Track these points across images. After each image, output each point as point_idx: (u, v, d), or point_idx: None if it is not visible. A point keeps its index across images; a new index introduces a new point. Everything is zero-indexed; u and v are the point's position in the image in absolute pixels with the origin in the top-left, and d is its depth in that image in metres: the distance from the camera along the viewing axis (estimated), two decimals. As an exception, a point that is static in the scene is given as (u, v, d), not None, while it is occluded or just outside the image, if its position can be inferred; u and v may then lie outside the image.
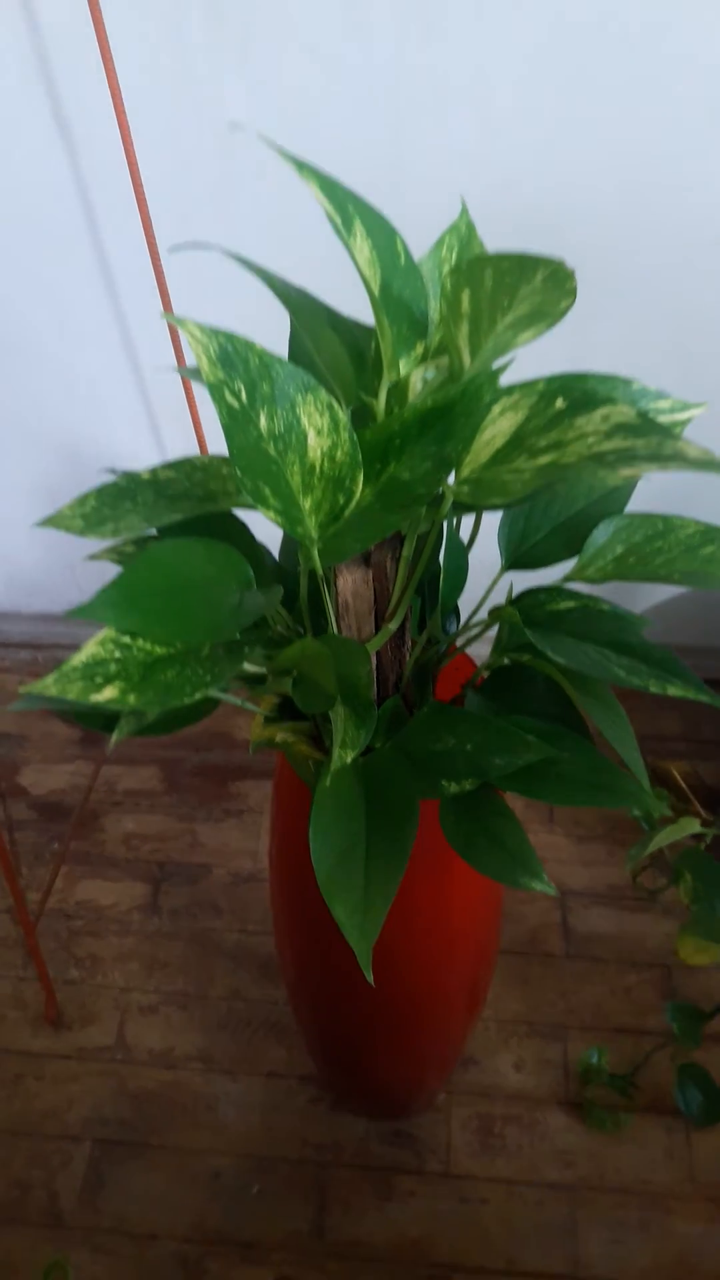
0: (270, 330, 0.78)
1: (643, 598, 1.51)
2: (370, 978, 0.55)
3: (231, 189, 1.10)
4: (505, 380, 0.56)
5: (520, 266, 0.48)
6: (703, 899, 1.08)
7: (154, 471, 0.64)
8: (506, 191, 1.07)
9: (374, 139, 1.04)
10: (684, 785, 1.34)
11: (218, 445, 1.28)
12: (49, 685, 0.51)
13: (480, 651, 1.46)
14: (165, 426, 1.35)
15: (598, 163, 1.05)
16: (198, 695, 0.53)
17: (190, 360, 1.18)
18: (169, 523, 0.61)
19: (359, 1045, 1.01)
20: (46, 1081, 1.21)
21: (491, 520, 0.70)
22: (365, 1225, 1.10)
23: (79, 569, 1.57)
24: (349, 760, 0.56)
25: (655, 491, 1.30)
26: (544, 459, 0.52)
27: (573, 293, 0.50)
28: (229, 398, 0.50)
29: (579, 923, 1.33)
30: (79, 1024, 1.26)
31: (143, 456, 1.40)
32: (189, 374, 0.71)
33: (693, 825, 1.03)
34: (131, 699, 0.52)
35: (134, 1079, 1.21)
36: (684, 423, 0.61)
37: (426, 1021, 0.96)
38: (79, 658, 0.52)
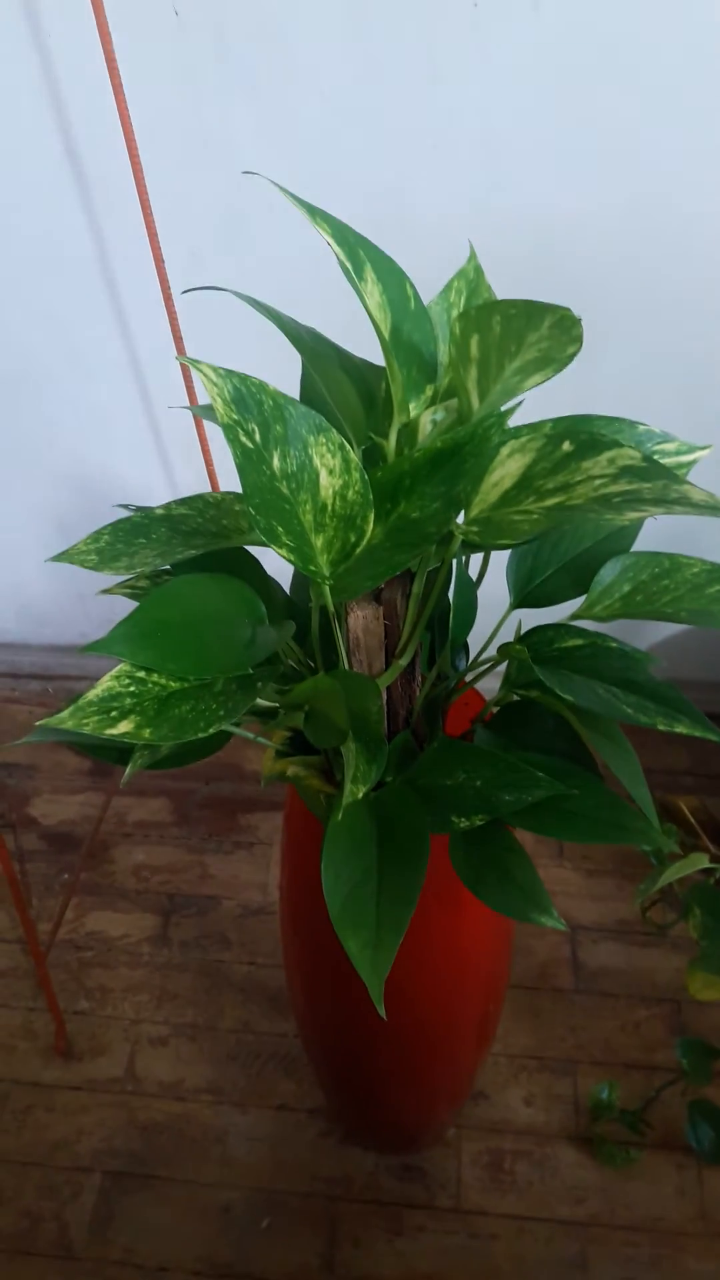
0: (281, 364, 0.80)
1: (649, 633, 1.52)
2: (382, 1012, 0.56)
3: (241, 224, 1.12)
4: (512, 423, 0.58)
5: (528, 313, 0.50)
6: (712, 934, 1.07)
7: (168, 507, 0.65)
8: (514, 230, 1.09)
9: (381, 178, 1.06)
10: (693, 820, 1.34)
11: (228, 478, 1.30)
12: (65, 719, 0.52)
13: (489, 687, 1.46)
14: (175, 459, 1.37)
15: (605, 202, 1.07)
16: (212, 729, 0.54)
17: (200, 394, 1.20)
18: (182, 559, 0.62)
19: (369, 1079, 1.01)
20: (57, 1113, 1.21)
21: (500, 557, 0.71)
22: (375, 1260, 1.09)
23: (89, 600, 1.59)
24: (360, 795, 0.56)
25: (662, 529, 1.31)
26: (551, 501, 0.53)
27: (579, 339, 0.51)
28: (243, 438, 0.51)
29: (589, 957, 1.33)
30: (89, 1055, 1.26)
31: (153, 489, 1.42)
32: (201, 412, 0.73)
33: (701, 860, 1.03)
34: (147, 733, 0.53)
35: (144, 1111, 1.21)
36: (689, 465, 0.62)
37: (437, 1055, 0.96)
38: (95, 692, 0.53)
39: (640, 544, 0.71)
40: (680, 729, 0.59)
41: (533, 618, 0.72)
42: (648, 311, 1.15)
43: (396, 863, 0.59)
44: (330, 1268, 1.09)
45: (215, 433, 1.25)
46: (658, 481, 0.50)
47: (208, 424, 1.23)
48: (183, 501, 0.67)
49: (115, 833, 1.49)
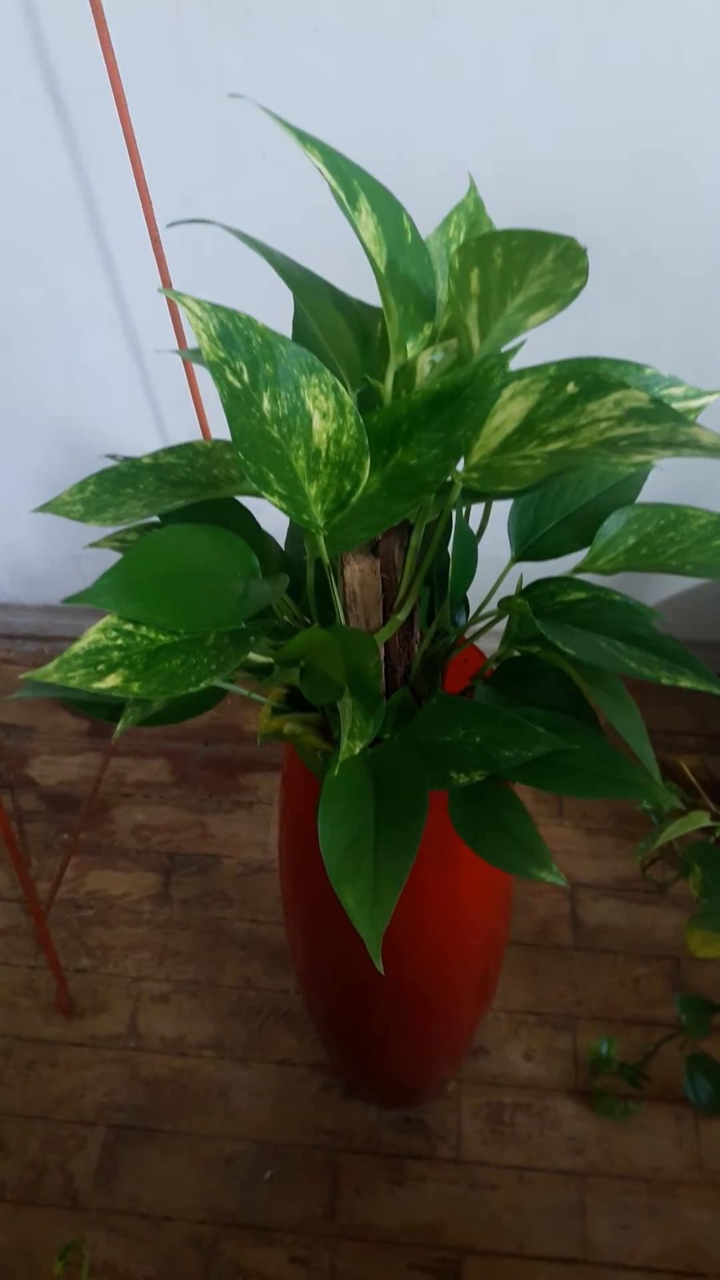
0: (275, 317, 0.77)
1: (653, 591, 1.50)
2: (380, 967, 0.55)
3: (233, 170, 1.08)
4: (513, 367, 0.55)
5: (531, 244, 0.47)
6: (712, 892, 1.06)
7: (155, 456, 0.63)
8: (515, 175, 1.05)
9: (379, 119, 1.03)
10: (693, 779, 1.33)
11: (221, 433, 1.27)
12: (50, 672, 0.50)
13: (489, 644, 1.45)
14: (168, 414, 1.34)
15: (608, 145, 1.03)
16: (203, 684, 0.52)
17: (192, 343, 1.17)
18: (171, 509, 0.60)
19: (369, 1034, 1.01)
20: (60, 1068, 1.22)
21: (501, 510, 0.69)
22: (377, 1209, 1.10)
23: (84, 560, 1.57)
24: (357, 751, 0.55)
25: (667, 483, 1.29)
26: (555, 445, 0.51)
27: (584, 273, 0.48)
28: (230, 378, 0.49)
29: (588, 915, 1.32)
30: (91, 1012, 1.26)
31: (145, 444, 1.39)
32: (190, 356, 0.70)
33: (702, 819, 1.02)
34: (135, 688, 0.51)
35: (146, 1066, 1.21)
36: (697, 410, 0.60)
37: (437, 1011, 0.96)
38: (80, 645, 0.51)
39: (645, 497, 0.69)
40: (684, 683, 0.57)
41: (534, 572, 0.71)
42: (652, 262, 1.11)
43: (394, 818, 0.58)
44: (333, 1216, 1.10)
45: (207, 384, 1.22)
46: (665, 424, 0.48)
47: (199, 375, 1.20)
48: (171, 450, 0.64)
49: (115, 793, 1.49)
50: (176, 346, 1.19)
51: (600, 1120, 1.15)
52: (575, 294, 0.51)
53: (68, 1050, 1.23)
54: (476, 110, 1.01)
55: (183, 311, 0.49)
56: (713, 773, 1.42)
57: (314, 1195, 1.11)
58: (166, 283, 1.06)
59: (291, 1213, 1.10)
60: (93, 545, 0.68)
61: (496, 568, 0.72)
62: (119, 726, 0.58)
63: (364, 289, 0.62)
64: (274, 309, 0.73)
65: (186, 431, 1.35)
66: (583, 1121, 1.15)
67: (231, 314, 0.50)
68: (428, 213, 0.74)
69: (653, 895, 1.33)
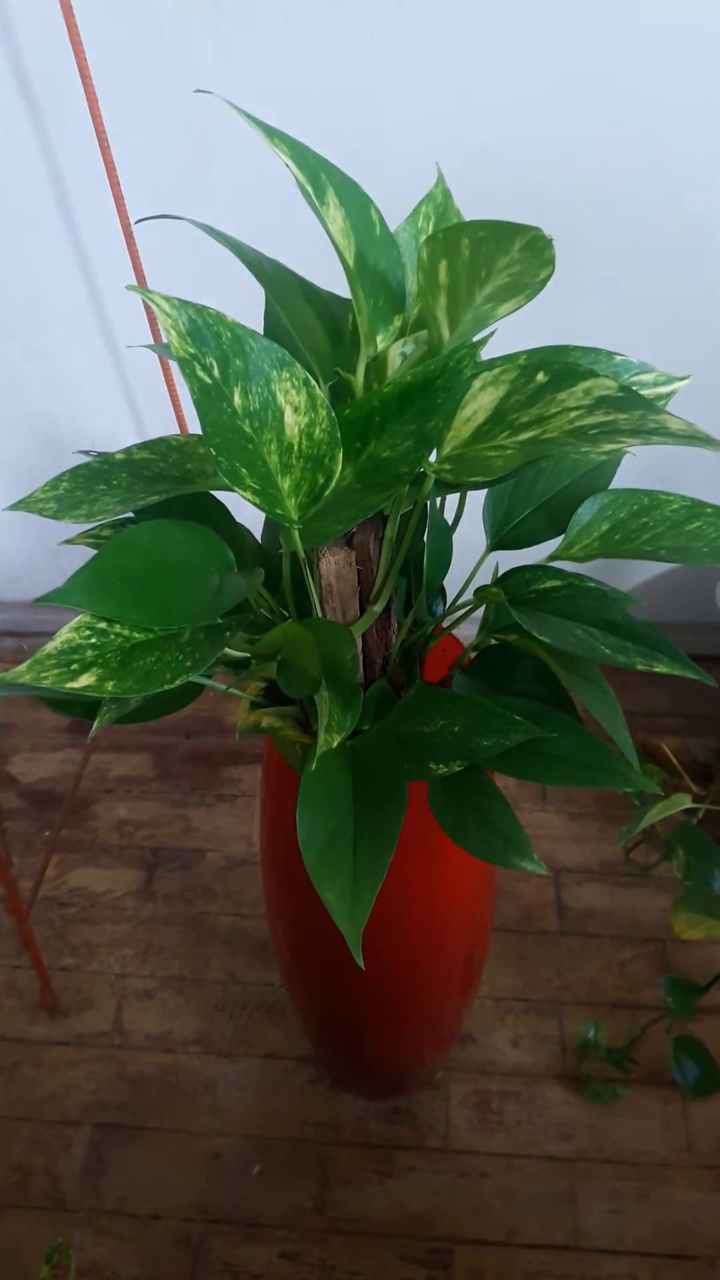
0: (251, 305, 0.77)
1: (631, 574, 1.50)
2: (360, 961, 0.55)
3: (203, 165, 1.08)
4: (483, 356, 0.55)
5: (498, 235, 0.47)
6: (695, 874, 1.07)
7: (129, 452, 0.63)
8: (483, 164, 1.05)
9: (348, 109, 1.02)
10: (675, 761, 1.33)
11: (197, 427, 1.26)
12: (22, 673, 0.50)
13: (468, 632, 1.45)
14: (144, 407, 1.34)
15: (575, 133, 1.03)
16: (178, 681, 0.52)
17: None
18: (145, 505, 0.60)
19: (355, 1025, 1.01)
20: (45, 1068, 1.21)
21: (476, 500, 0.69)
22: (366, 1201, 1.10)
23: (62, 556, 1.56)
24: (335, 744, 0.55)
25: (640, 468, 1.29)
26: (526, 435, 0.51)
27: (551, 262, 0.48)
28: (200, 373, 0.49)
29: (573, 899, 1.33)
30: (75, 1010, 1.26)
31: (122, 438, 1.38)
32: (163, 351, 0.70)
33: (684, 801, 1.03)
34: (110, 686, 0.51)
35: (132, 1063, 1.21)
36: (668, 396, 0.60)
37: (422, 1000, 0.96)
38: (53, 644, 0.51)
39: (619, 483, 0.69)
40: (660, 668, 0.57)
41: (510, 560, 0.71)
42: (622, 247, 1.11)
43: (373, 811, 0.57)
44: (322, 1210, 1.10)
45: (182, 378, 1.21)
46: (634, 412, 0.48)
47: (175, 368, 1.20)
48: (144, 445, 0.64)
49: (96, 789, 1.48)
50: (151, 340, 1.18)
51: (588, 1105, 1.16)
52: (543, 284, 0.51)
53: (52, 1050, 1.23)
54: (444, 97, 1.01)
55: (152, 307, 0.49)
56: (694, 753, 1.43)
57: (302, 1189, 1.11)
58: (139, 274, 1.05)
59: (280, 1207, 1.10)
60: (68, 542, 0.68)
61: (472, 557, 0.72)
62: (95, 725, 0.58)
63: (337, 279, 0.62)
64: (251, 297, 0.72)
65: (163, 424, 1.35)
66: (571, 1107, 1.16)
67: (201, 310, 0.50)
68: (398, 203, 0.73)
69: (637, 878, 1.34)
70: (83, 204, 1.13)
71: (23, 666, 0.50)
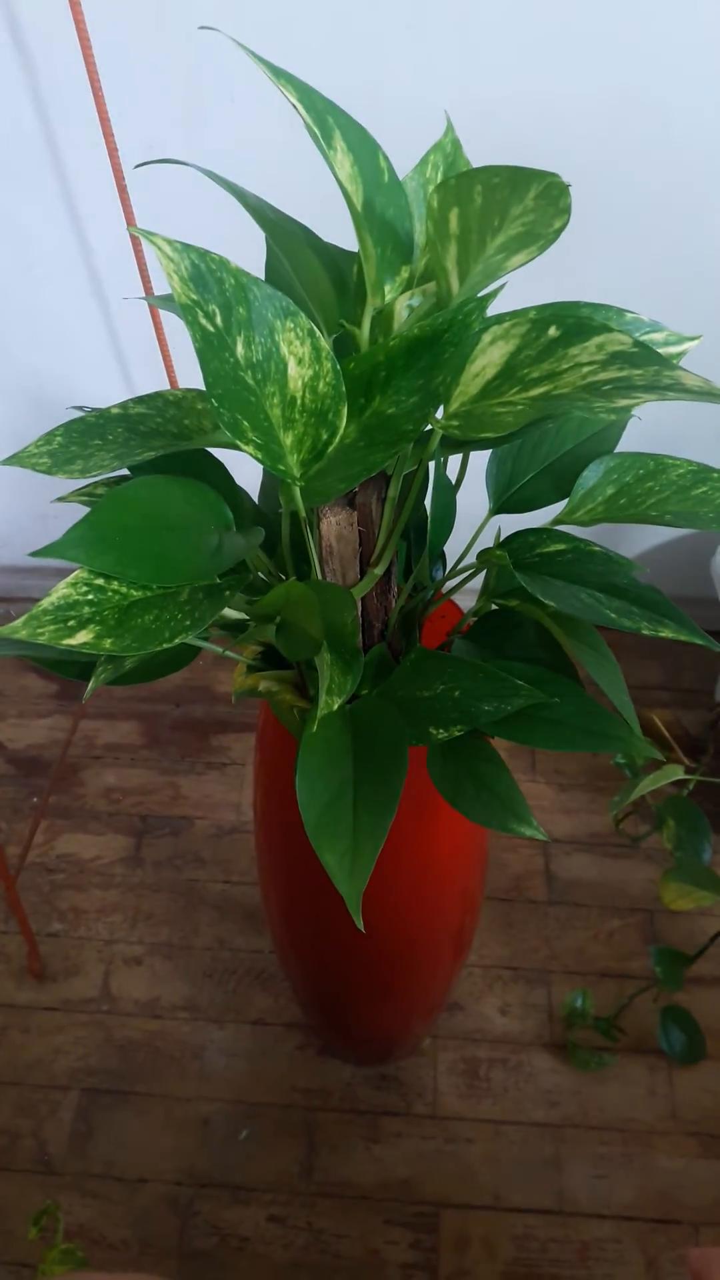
0: (247, 264, 0.75)
1: (628, 547, 1.49)
2: (360, 924, 0.54)
3: (201, 118, 1.05)
4: (488, 315, 0.54)
5: (513, 182, 0.45)
6: (686, 845, 1.08)
7: (124, 406, 0.61)
8: (489, 119, 1.03)
9: (351, 62, 1.00)
10: (666, 733, 1.33)
11: (189, 384, 1.24)
12: (18, 629, 0.48)
13: (466, 602, 1.44)
14: (135, 368, 1.31)
15: (583, 86, 1.01)
16: (177, 640, 0.51)
17: (159, 286, 1.14)
18: (141, 461, 0.58)
19: (345, 992, 1.01)
20: (32, 1033, 1.21)
21: (477, 466, 0.68)
22: (353, 1166, 1.11)
23: (50, 519, 1.54)
24: (336, 707, 0.54)
25: (642, 434, 1.28)
26: (537, 391, 0.50)
27: (566, 211, 0.47)
28: (203, 321, 0.47)
29: (561, 869, 1.33)
30: (63, 976, 1.25)
31: (112, 397, 1.36)
32: (158, 303, 0.68)
33: (676, 772, 1.02)
34: (108, 644, 0.50)
35: (120, 1029, 1.21)
36: (679, 356, 0.59)
37: (413, 968, 0.96)
38: (50, 600, 0.49)
39: (622, 448, 0.68)
40: (665, 633, 0.57)
41: (512, 524, 0.69)
42: (631, 206, 1.10)
43: (373, 774, 0.57)
44: (309, 1174, 1.10)
45: (174, 334, 1.19)
46: (649, 367, 0.47)
47: (167, 325, 1.17)
48: (140, 400, 0.62)
49: (84, 756, 1.47)
50: (142, 291, 1.15)
51: (575, 1073, 1.16)
52: (557, 234, 0.49)
53: (40, 1015, 1.22)
54: (450, 50, 0.98)
55: (152, 253, 0.47)
56: (685, 726, 1.43)
57: (290, 1154, 1.12)
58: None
59: (268, 1172, 1.11)
60: (61, 500, 0.66)
61: (472, 523, 0.71)
62: (90, 685, 0.57)
63: (335, 239, 0.60)
64: (245, 259, 0.70)
65: (154, 384, 1.32)
66: (558, 1074, 1.16)
67: (204, 254, 0.48)
68: (402, 158, 0.71)
69: (626, 849, 1.34)
70: (75, 159, 1.11)
71: (18, 622, 0.49)
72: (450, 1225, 1.07)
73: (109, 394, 1.35)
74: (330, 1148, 1.12)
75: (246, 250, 0.64)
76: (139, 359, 1.30)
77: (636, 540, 1.48)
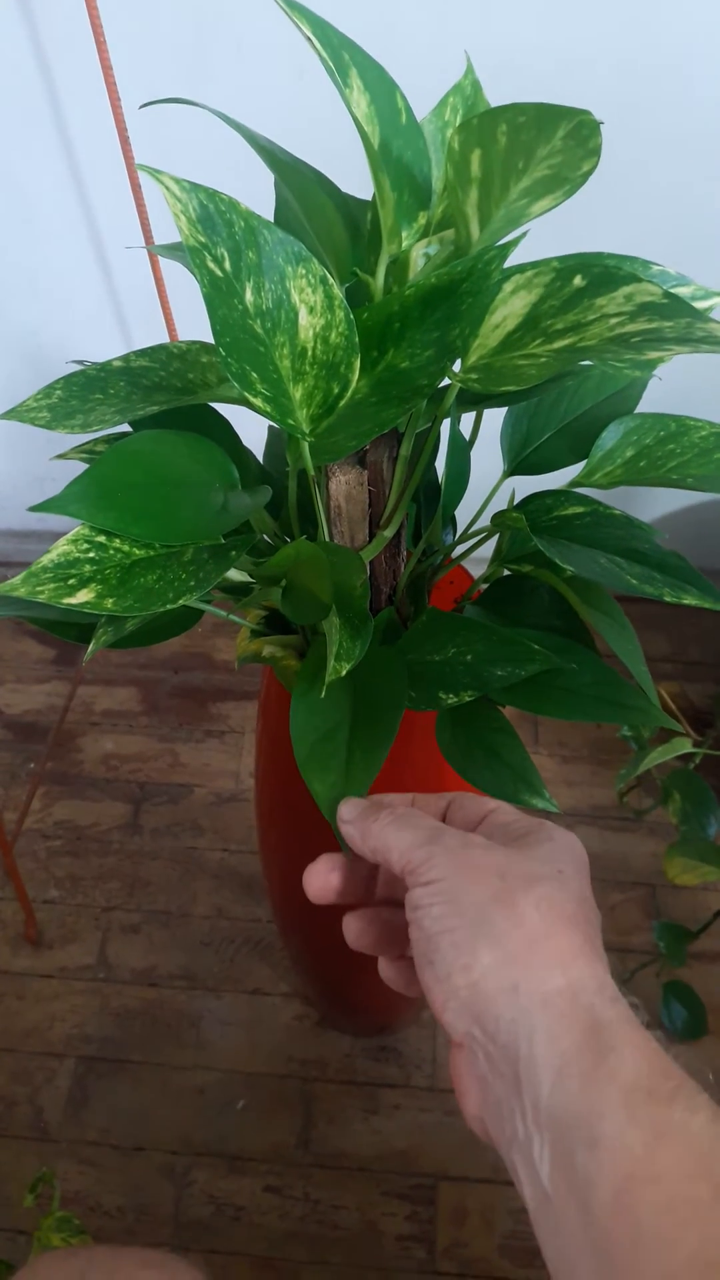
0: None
1: (642, 515, 1.47)
2: (345, 850, 0.51)
3: (206, 71, 1.01)
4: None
5: (540, 121, 0.43)
6: (691, 819, 1.06)
7: (126, 359, 0.59)
8: (507, 67, 0.99)
9: (365, 10, 0.96)
10: (673, 706, 1.32)
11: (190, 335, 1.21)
12: (17, 585, 0.46)
13: (476, 570, 1.42)
14: (135, 327, 1.28)
15: (599, 45, 0.97)
16: (180, 601, 0.49)
17: (159, 241, 1.11)
18: (144, 416, 0.56)
19: (345, 961, 1.00)
20: (28, 1000, 1.20)
21: (491, 427, 0.66)
22: (351, 1137, 1.10)
23: (48, 481, 1.51)
24: (344, 673, 0.52)
25: (662, 397, 1.25)
26: (561, 343, 0.48)
27: (596, 153, 0.44)
28: (211, 264, 0.45)
29: (564, 842, 1.32)
30: (60, 943, 1.24)
31: (111, 354, 1.33)
32: (162, 251, 0.65)
33: (684, 745, 1.01)
34: (109, 604, 0.48)
35: (117, 997, 1.20)
36: (708, 310, 0.56)
37: (414, 940, 0.95)
38: (49, 557, 0.47)
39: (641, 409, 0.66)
40: (689, 600, 0.55)
41: (526, 487, 0.67)
42: (653, 159, 1.06)
43: (370, 710, 0.55)
44: (306, 1145, 1.10)
45: (175, 290, 1.16)
46: (680, 319, 0.45)
47: (169, 279, 1.14)
48: (143, 353, 0.60)
49: (82, 722, 1.45)
50: (144, 246, 1.13)
51: (573, 1046, 1.15)
52: (585, 177, 0.47)
53: (36, 982, 1.21)
54: (464, 8, 0.95)
55: (155, 203, 0.45)
56: (691, 699, 1.41)
57: (287, 1124, 1.11)
58: (135, 183, 0.99)
59: (264, 1142, 1.10)
60: (60, 457, 0.64)
61: (484, 486, 0.69)
62: (91, 647, 0.55)
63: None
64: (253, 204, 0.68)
65: (154, 340, 1.29)
66: (556, 1047, 1.16)
67: (213, 194, 0.46)
68: (420, 101, 0.68)
69: (629, 823, 1.33)
70: (75, 110, 1.07)
71: (17, 579, 0.46)
72: (448, 1197, 1.06)
73: (108, 351, 1.32)
74: (328, 1119, 1.11)
75: (257, 203, 0.62)
76: (139, 318, 1.27)
77: (653, 510, 1.46)
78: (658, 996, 1.15)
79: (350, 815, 0.48)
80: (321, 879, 0.50)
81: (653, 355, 0.44)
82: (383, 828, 0.45)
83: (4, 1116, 1.12)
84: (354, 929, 0.50)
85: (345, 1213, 1.05)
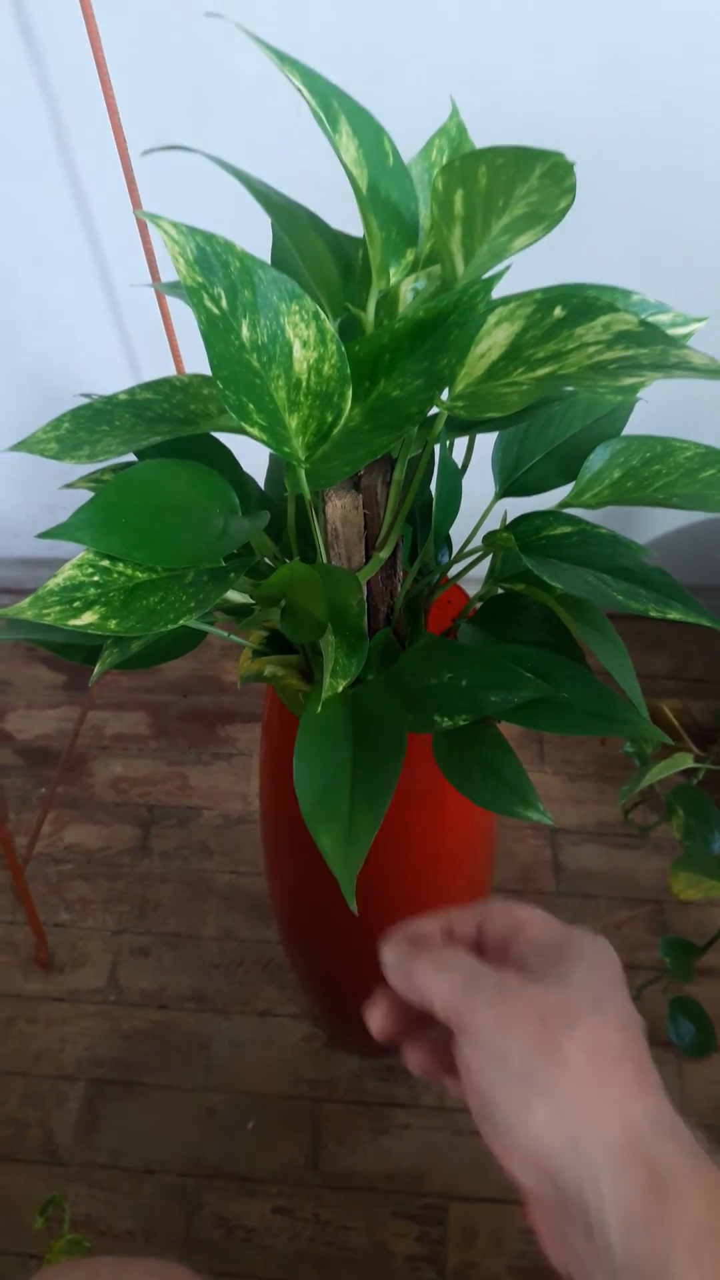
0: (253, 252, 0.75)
1: (634, 536, 1.49)
2: (354, 907, 0.54)
3: (206, 106, 1.05)
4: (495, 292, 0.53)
5: (517, 162, 0.45)
6: (695, 835, 1.07)
7: (131, 392, 0.61)
8: (494, 106, 1.02)
9: (354, 50, 0.99)
10: (675, 722, 1.33)
11: (196, 368, 1.24)
12: (24, 609, 0.48)
13: (471, 588, 1.44)
14: (143, 358, 1.31)
15: (589, 73, 1.00)
16: (181, 622, 0.51)
17: (165, 274, 1.14)
18: (148, 446, 0.58)
19: (352, 982, 1.01)
20: (39, 1024, 1.21)
21: (482, 450, 0.68)
22: (360, 1158, 1.11)
23: (59, 509, 1.54)
24: (340, 689, 0.54)
25: (649, 418, 1.27)
26: (543, 371, 0.50)
27: (571, 191, 0.47)
28: (208, 303, 0.47)
29: (570, 860, 1.33)
30: (70, 966, 1.26)
31: (119, 386, 1.36)
32: (165, 289, 0.68)
33: (686, 760, 1.02)
34: (113, 625, 0.50)
35: (127, 1020, 1.21)
36: (686, 337, 0.59)
37: (419, 958, 0.96)
38: (55, 581, 0.50)
39: (629, 431, 0.68)
40: (673, 615, 0.56)
41: (518, 508, 0.69)
42: (636, 189, 1.09)
43: (371, 759, 0.57)
44: (315, 1165, 1.10)
45: (181, 322, 1.19)
46: (655, 346, 0.47)
47: (174, 313, 1.17)
48: (147, 386, 0.62)
49: (92, 746, 1.47)
50: (149, 278, 1.16)
51: (581, 1064, 1.16)
52: (562, 214, 0.49)
53: (47, 1005, 1.23)
54: (454, 37, 0.98)
55: (158, 236, 0.47)
56: (694, 715, 1.42)
57: (296, 1145, 1.12)
58: (140, 221, 1.02)
59: (274, 1163, 1.11)
60: (69, 486, 0.66)
61: (476, 508, 0.71)
62: (97, 669, 0.57)
63: (339, 226, 0.60)
64: (250, 248, 0.70)
65: (161, 373, 1.32)
66: (564, 1066, 1.16)
67: (209, 237, 0.48)
68: (407, 145, 0.71)
69: (634, 839, 1.34)
70: (82, 148, 1.11)
71: (24, 602, 0.49)
72: (458, 1218, 1.07)
73: (116, 383, 1.34)
74: (337, 1139, 1.12)
75: (256, 237, 0.64)
76: (146, 347, 1.30)
77: (646, 529, 1.48)
78: (665, 1013, 1.15)
79: (391, 960, 0.49)
80: (382, 1019, 0.50)
81: (630, 381, 0.46)
82: (425, 975, 0.46)
83: (15, 1140, 1.13)
84: (415, 1061, 0.50)
85: (355, 1234, 1.06)
